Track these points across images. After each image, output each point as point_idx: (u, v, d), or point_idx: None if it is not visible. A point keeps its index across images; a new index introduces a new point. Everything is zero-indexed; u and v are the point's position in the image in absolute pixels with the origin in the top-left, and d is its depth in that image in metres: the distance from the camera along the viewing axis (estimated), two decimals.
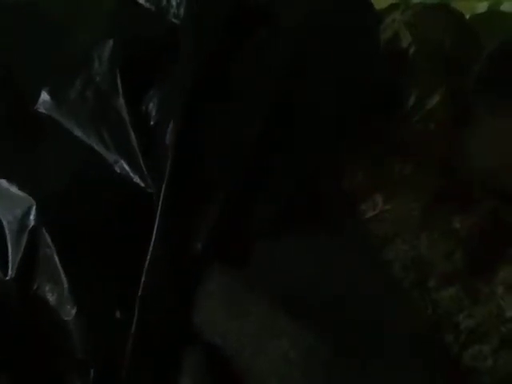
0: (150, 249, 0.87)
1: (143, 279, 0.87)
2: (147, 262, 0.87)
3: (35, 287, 0.87)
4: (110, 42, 0.97)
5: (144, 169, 0.92)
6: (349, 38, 1.06)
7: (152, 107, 0.96)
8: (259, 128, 0.95)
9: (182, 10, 0.99)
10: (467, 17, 1.26)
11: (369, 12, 1.12)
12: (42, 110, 0.99)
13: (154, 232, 0.88)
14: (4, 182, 0.89)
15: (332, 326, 0.84)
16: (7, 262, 0.87)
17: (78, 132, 0.96)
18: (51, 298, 0.86)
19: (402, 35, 1.10)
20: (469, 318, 0.88)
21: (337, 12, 1.07)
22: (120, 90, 0.95)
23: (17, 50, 1.04)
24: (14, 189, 0.89)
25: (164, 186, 0.89)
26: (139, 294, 0.87)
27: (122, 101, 0.95)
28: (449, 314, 0.88)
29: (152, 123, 0.95)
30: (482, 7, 1.42)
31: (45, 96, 0.99)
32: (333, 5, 1.08)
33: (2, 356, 0.86)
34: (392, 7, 1.18)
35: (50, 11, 1.06)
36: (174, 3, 0.99)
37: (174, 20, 0.99)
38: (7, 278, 0.86)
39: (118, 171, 0.94)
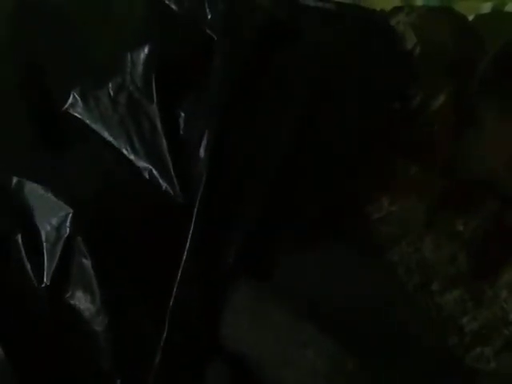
0: (183, 261, 0.87)
1: (174, 291, 0.87)
2: (179, 274, 0.87)
3: (68, 296, 0.86)
4: (145, 47, 0.96)
5: (174, 177, 0.92)
6: (374, 54, 1.07)
7: (184, 116, 0.95)
8: (291, 140, 0.95)
9: (216, 22, 0.98)
10: (471, 17, 1.27)
11: (390, 29, 1.14)
12: (71, 111, 0.97)
13: (188, 245, 0.88)
14: (41, 189, 0.88)
15: (357, 337, 0.85)
16: (42, 270, 0.86)
17: (108, 136, 0.96)
18: (83, 307, 0.86)
19: (406, 37, 1.10)
20: (473, 321, 0.90)
21: (362, 29, 1.08)
22: (154, 97, 0.95)
23: (47, 50, 1.02)
24: (49, 195, 0.87)
25: (198, 199, 0.89)
26: (170, 305, 0.87)
27: (155, 107, 0.94)
28: (453, 317, 0.91)
29: (184, 132, 0.95)
30: (486, 8, 1.42)
31: (75, 98, 0.97)
32: (357, 22, 1.09)
33: (29, 363, 0.85)
34: (396, 10, 1.18)
35: (82, 13, 1.04)
36: (208, 14, 0.99)
37: (208, 30, 0.99)
38: (42, 286, 0.85)
39: (148, 178, 0.93)
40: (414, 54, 1.10)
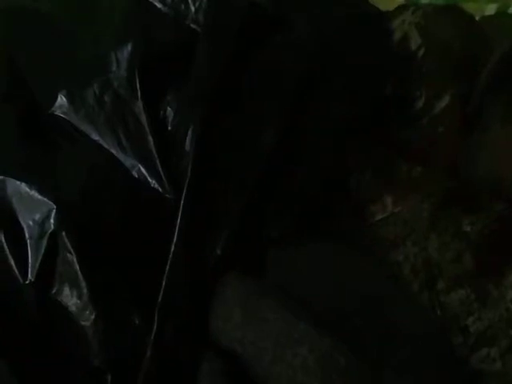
0: (170, 255, 0.87)
1: (163, 285, 0.86)
2: (167, 268, 0.86)
3: (54, 292, 0.86)
4: (129, 45, 0.97)
5: (162, 174, 0.92)
6: (362, 44, 1.06)
7: (170, 112, 0.95)
8: (277, 134, 0.94)
9: (200, 16, 0.99)
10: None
11: (381, 17, 1.13)
12: (58, 113, 0.98)
13: (175, 238, 0.87)
14: (23, 186, 0.88)
15: (350, 333, 0.83)
16: (27, 267, 0.85)
17: (95, 136, 0.96)
18: (70, 302, 0.85)
19: (411, 37, 1.09)
20: (478, 321, 0.88)
21: (349, 19, 1.07)
22: (139, 94, 0.95)
23: (32, 52, 1.03)
24: (33, 193, 0.88)
25: (184, 193, 0.88)
26: (159, 300, 0.86)
27: (140, 105, 0.95)
28: (458, 317, 0.89)
29: (170, 128, 0.95)
30: (490, 9, 1.41)
31: (62, 99, 0.98)
32: (345, 12, 1.08)
33: (17, 361, 0.85)
34: (401, 8, 1.16)
35: (65, 14, 1.05)
36: (192, 8, 0.99)
37: (192, 25, 0.99)
38: (26, 283, 0.85)
39: (136, 176, 0.93)
40: (418, 54, 1.08)
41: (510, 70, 1.05)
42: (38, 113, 0.98)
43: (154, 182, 0.92)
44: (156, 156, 0.93)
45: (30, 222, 0.86)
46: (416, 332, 0.88)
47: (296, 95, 0.97)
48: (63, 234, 0.85)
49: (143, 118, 0.94)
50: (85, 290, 0.85)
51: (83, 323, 0.85)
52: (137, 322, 0.86)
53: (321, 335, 0.82)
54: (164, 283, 0.86)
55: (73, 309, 0.85)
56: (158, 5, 1.00)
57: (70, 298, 0.85)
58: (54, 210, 0.86)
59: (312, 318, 0.84)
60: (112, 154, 0.95)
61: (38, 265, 0.85)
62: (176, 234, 0.87)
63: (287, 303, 0.87)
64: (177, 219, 0.88)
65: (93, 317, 0.84)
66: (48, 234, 0.86)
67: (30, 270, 0.85)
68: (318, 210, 0.97)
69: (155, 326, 0.85)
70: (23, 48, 1.03)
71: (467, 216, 0.95)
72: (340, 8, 1.08)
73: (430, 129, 1.04)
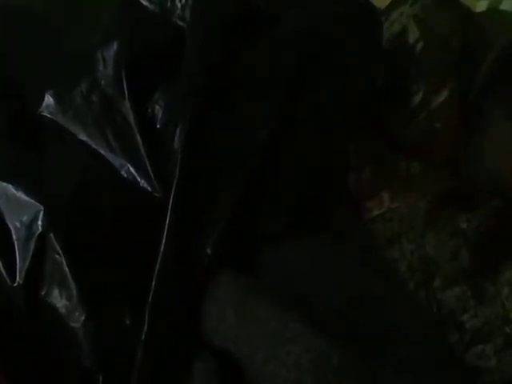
0: (160, 255, 0.86)
1: (153, 285, 0.85)
2: (157, 268, 0.86)
3: (43, 293, 0.85)
4: (115, 44, 0.96)
5: (151, 173, 0.91)
6: (351, 39, 1.05)
7: (158, 110, 0.95)
8: (270, 132, 0.94)
9: (187, 12, 0.98)
10: None
11: (371, 12, 1.12)
12: (46, 113, 0.97)
13: (164, 237, 0.86)
14: (10, 188, 0.88)
15: (344, 332, 0.83)
16: (15, 269, 0.85)
17: (83, 136, 0.95)
18: (60, 304, 0.84)
19: (409, 30, 1.09)
20: (474, 318, 0.88)
21: (337, 14, 1.07)
22: (126, 93, 0.94)
23: (18, 52, 1.02)
24: (20, 194, 0.87)
25: (173, 191, 0.88)
26: (149, 300, 0.85)
27: (127, 104, 0.94)
28: (454, 314, 0.88)
29: (159, 126, 0.94)
30: (481, 6, 1.40)
31: (49, 100, 0.97)
32: (333, 7, 1.07)
33: (8, 364, 0.84)
34: (399, 0, 1.16)
35: (52, 13, 1.05)
36: (178, 5, 0.99)
37: (179, 22, 0.98)
38: (15, 285, 0.85)
39: (125, 176, 0.92)
40: (416, 48, 1.08)
41: (509, 67, 1.04)
42: (26, 113, 0.97)
43: (143, 181, 0.92)
44: (145, 155, 0.92)
45: (18, 224, 0.86)
46: (416, 331, 0.87)
47: (290, 92, 0.97)
48: (51, 235, 0.84)
49: (131, 117, 0.94)
50: (74, 292, 0.84)
51: (73, 324, 0.84)
52: (127, 322, 0.85)
53: (316, 335, 0.82)
54: (154, 283, 0.85)
55: (62, 310, 0.84)
56: (145, 2, 1.00)
57: (59, 300, 0.84)
58: (42, 212, 0.85)
59: (310, 318, 0.83)
60: (100, 153, 0.94)
61: (26, 267, 0.85)
62: (165, 233, 0.87)
63: (282, 302, 0.86)
64: (166, 218, 0.88)
65: (83, 318, 0.84)
66: (36, 236, 0.85)
67: (18, 272, 0.85)
68: (316, 209, 0.97)
69: (146, 326, 0.84)
70: (9, 47, 1.02)
71: (464, 214, 0.95)
72: (337, 6, 1.06)
73: (426, 125, 1.04)
